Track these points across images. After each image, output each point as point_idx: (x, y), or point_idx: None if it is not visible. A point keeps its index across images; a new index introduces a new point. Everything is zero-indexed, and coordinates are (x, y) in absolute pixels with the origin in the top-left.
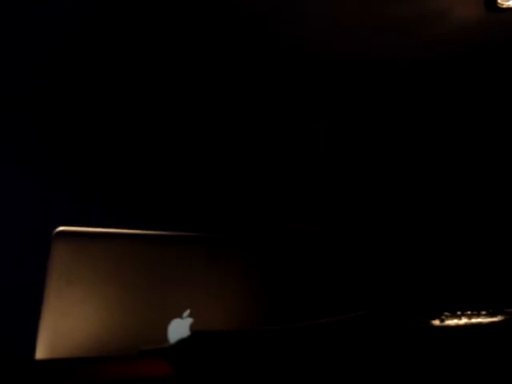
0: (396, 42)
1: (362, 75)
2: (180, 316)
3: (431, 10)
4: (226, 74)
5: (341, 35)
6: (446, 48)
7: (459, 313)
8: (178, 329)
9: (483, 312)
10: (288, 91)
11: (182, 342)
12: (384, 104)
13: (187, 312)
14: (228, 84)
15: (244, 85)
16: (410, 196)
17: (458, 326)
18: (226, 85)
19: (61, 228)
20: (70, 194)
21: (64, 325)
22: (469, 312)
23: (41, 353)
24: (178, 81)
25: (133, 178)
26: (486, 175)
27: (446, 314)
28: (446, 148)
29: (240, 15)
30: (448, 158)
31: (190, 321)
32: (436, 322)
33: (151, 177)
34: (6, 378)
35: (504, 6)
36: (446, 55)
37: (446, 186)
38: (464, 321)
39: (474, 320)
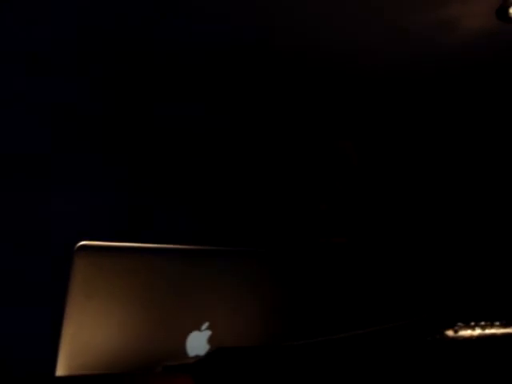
0: (408, 52)
1: (379, 86)
2: (198, 329)
3: (442, 19)
4: (256, 93)
5: (352, 47)
6: (458, 57)
7: (473, 323)
8: (197, 341)
9: (496, 322)
10: (316, 109)
11: (206, 358)
12: (403, 114)
13: (206, 325)
14: (257, 103)
15: (275, 104)
16: (437, 208)
17: (471, 338)
18: (255, 104)
19: (82, 242)
20: (90, 208)
21: (84, 340)
22: (482, 322)
23: (61, 368)
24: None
25: (156, 190)
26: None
27: (460, 324)
28: (473, 160)
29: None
30: (474, 170)
31: (208, 333)
32: (450, 333)
33: (176, 190)
34: None
35: None
36: (458, 64)
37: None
38: (478, 331)
39: (487, 331)
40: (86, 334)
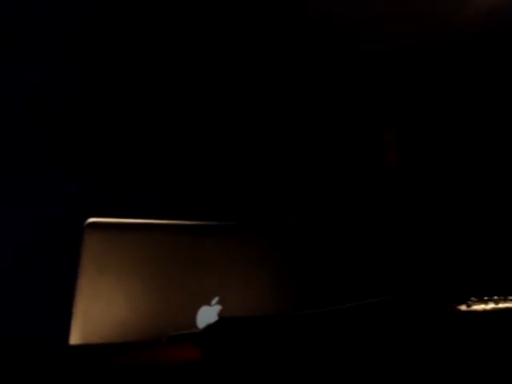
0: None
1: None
2: (209, 303)
3: None
4: (300, 78)
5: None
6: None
7: (486, 298)
8: (207, 316)
9: (510, 297)
10: (358, 95)
11: (210, 327)
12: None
13: (216, 299)
14: (301, 87)
15: (315, 88)
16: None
17: (484, 311)
18: (298, 89)
19: (92, 219)
20: (97, 187)
21: (96, 312)
22: (495, 297)
23: (74, 338)
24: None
25: (165, 168)
26: None
27: (473, 299)
28: None
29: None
30: None
31: (218, 308)
32: (463, 307)
33: (185, 166)
34: (42, 362)
35: None
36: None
37: None
38: (491, 306)
39: (501, 305)
40: (97, 308)
